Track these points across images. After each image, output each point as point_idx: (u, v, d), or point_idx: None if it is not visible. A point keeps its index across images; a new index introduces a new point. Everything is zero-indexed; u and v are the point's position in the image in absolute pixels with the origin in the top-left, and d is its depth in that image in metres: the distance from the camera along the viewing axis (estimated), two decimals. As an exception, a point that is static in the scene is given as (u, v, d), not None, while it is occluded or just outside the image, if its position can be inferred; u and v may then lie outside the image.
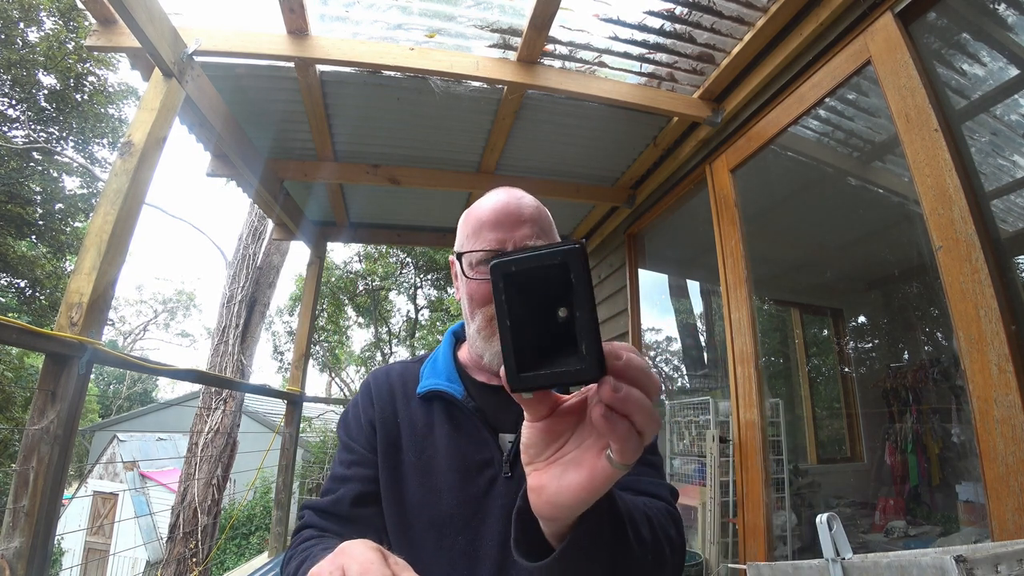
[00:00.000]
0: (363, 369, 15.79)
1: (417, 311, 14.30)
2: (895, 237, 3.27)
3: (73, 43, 7.63)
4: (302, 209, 3.37)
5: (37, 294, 8.77)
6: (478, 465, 0.73)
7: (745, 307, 2.10)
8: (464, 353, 0.85)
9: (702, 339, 4.98)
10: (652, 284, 4.14)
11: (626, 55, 2.10)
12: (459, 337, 0.91)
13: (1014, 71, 1.93)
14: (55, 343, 1.36)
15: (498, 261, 0.35)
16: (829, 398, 4.53)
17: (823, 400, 4.52)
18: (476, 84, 2.15)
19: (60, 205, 8.75)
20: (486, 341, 0.76)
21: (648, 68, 2.16)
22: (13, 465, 1.39)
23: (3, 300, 9.38)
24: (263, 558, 3.49)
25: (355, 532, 0.58)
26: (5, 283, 8.77)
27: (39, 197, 8.46)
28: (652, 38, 2.00)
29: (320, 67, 2.05)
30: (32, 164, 8.31)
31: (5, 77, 7.55)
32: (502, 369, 0.36)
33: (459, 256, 0.77)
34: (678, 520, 0.66)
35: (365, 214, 3.61)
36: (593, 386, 0.37)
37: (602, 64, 2.14)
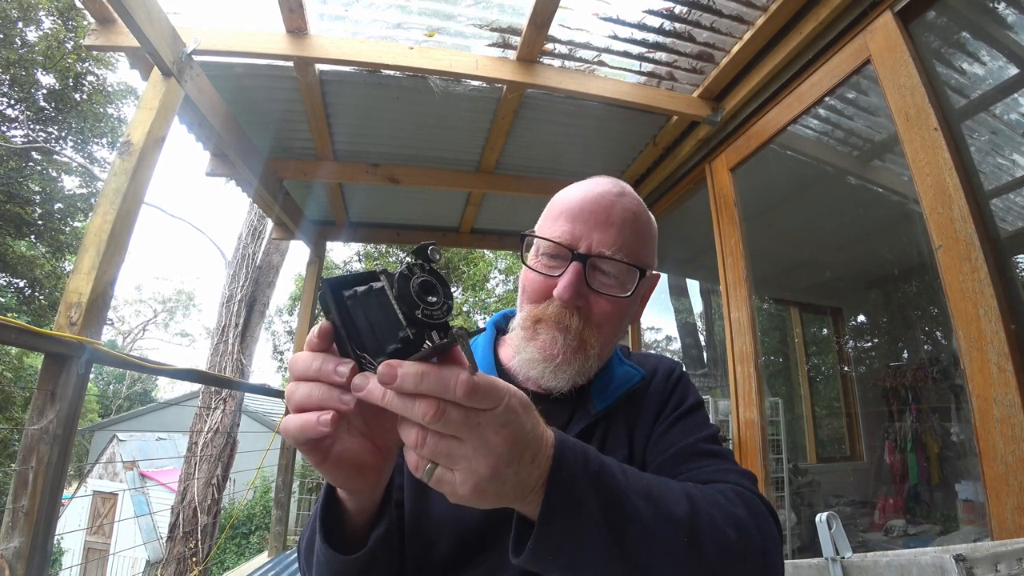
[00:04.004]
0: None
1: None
2: (895, 236, 3.27)
3: (72, 42, 7.62)
4: (301, 208, 3.37)
5: (36, 294, 8.77)
6: None
7: (745, 306, 2.10)
8: (506, 351, 0.75)
9: (702, 338, 4.98)
10: (652, 283, 4.13)
11: (626, 54, 2.10)
12: (500, 329, 0.81)
13: (1014, 70, 1.93)
14: (54, 343, 1.36)
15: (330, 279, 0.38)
16: (829, 397, 4.52)
17: (823, 399, 4.52)
18: (475, 83, 2.14)
19: (59, 205, 8.76)
20: (522, 341, 0.67)
21: (648, 67, 2.16)
22: (13, 465, 1.39)
23: (2, 300, 9.38)
24: (263, 557, 3.49)
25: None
26: (4, 283, 8.77)
27: (38, 197, 8.46)
28: (652, 37, 2.00)
29: (319, 66, 2.05)
30: (31, 164, 8.31)
31: (4, 77, 7.55)
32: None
33: (522, 237, 0.68)
34: (751, 500, 0.54)
35: (365, 213, 3.61)
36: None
37: (601, 63, 2.14)
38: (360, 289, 0.38)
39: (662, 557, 0.45)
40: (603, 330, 0.66)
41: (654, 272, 0.71)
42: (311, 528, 0.55)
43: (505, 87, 2.12)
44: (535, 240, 0.68)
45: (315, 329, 0.40)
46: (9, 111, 8.02)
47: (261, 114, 2.40)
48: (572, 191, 0.69)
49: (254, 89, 2.23)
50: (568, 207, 0.66)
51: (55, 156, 8.50)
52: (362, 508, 0.51)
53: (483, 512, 0.61)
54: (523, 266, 0.68)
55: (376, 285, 0.38)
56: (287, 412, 0.42)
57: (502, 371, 0.72)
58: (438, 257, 0.39)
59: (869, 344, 4.74)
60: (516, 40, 2.00)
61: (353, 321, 0.38)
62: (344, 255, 15.01)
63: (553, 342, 0.64)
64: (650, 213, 0.72)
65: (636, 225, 0.67)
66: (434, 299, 0.38)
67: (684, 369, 0.79)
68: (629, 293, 0.66)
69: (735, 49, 1.99)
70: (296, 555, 0.63)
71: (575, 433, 0.67)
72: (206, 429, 5.58)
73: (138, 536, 9.53)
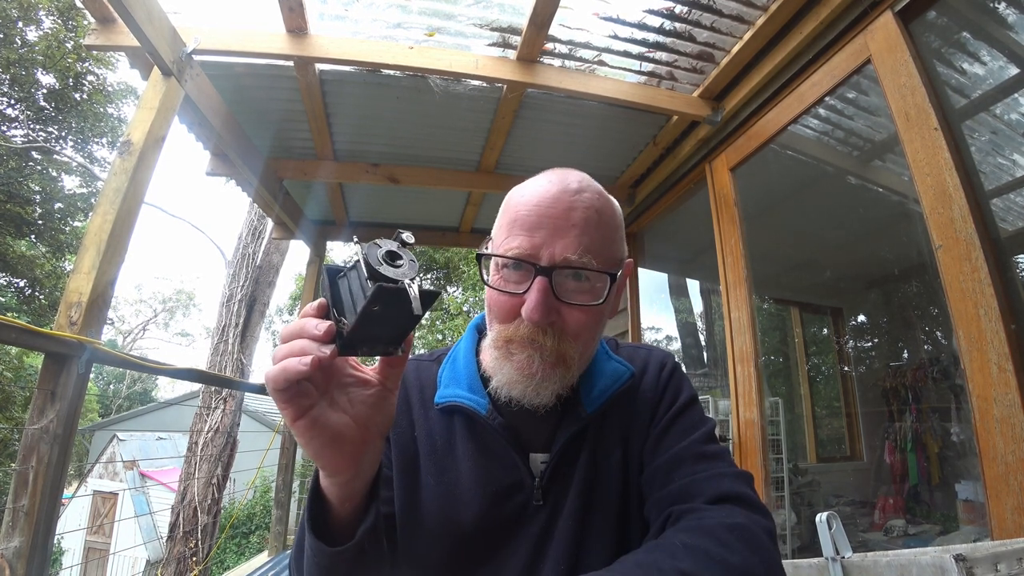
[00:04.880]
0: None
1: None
2: (895, 236, 3.27)
3: (72, 42, 7.62)
4: (302, 208, 3.37)
5: (36, 293, 8.78)
6: (506, 490, 0.64)
7: (745, 306, 2.10)
8: (487, 358, 0.72)
9: (702, 338, 4.97)
10: (652, 283, 4.13)
11: (626, 54, 2.10)
12: (483, 331, 0.77)
13: (1014, 70, 1.93)
14: (54, 343, 1.36)
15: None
16: (829, 397, 4.52)
17: (823, 399, 4.51)
18: (476, 83, 2.14)
19: (59, 204, 8.76)
20: (497, 362, 0.63)
21: (648, 67, 2.16)
22: (13, 464, 1.39)
23: (3, 299, 9.38)
24: (263, 557, 3.49)
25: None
26: (4, 282, 8.77)
27: (38, 196, 8.46)
28: (652, 37, 2.00)
29: (319, 66, 2.05)
30: (31, 163, 8.30)
31: (4, 76, 7.54)
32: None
33: (479, 257, 0.64)
34: (744, 532, 0.51)
35: (365, 213, 3.61)
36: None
37: (602, 63, 2.14)
38: (347, 268, 0.46)
39: None
40: (581, 339, 0.62)
41: (627, 260, 0.67)
42: (301, 527, 0.55)
43: (505, 87, 2.12)
44: (488, 258, 0.63)
45: (312, 302, 0.47)
46: (9, 111, 8.02)
47: (261, 114, 2.40)
48: (524, 194, 0.62)
49: (254, 89, 2.22)
50: (523, 214, 0.60)
51: (55, 156, 8.49)
52: (345, 497, 0.51)
53: (476, 522, 0.62)
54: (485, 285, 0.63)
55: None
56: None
57: (485, 378, 0.69)
58: (410, 242, 0.46)
59: (869, 344, 4.74)
60: (516, 40, 2.00)
61: (339, 294, 0.46)
62: (344, 255, 15.02)
63: (530, 361, 0.60)
64: (612, 200, 0.66)
65: (600, 223, 0.61)
66: (400, 263, 0.43)
67: (676, 360, 0.76)
68: (602, 300, 0.61)
69: (735, 49, 1.99)
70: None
71: (565, 438, 0.65)
72: (206, 429, 5.58)
73: (138, 536, 9.52)
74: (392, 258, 0.43)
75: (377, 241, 0.44)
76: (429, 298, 0.43)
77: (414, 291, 0.41)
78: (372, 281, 0.41)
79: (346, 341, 0.44)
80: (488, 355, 0.66)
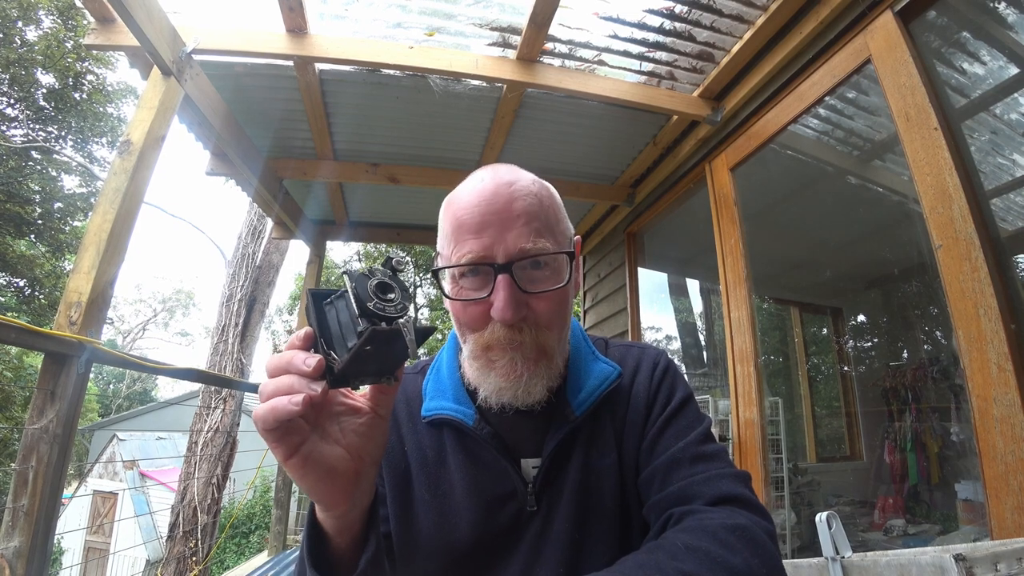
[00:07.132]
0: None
1: (416, 310, 14.34)
2: (895, 236, 3.26)
3: (72, 42, 7.62)
4: (301, 208, 3.37)
5: (36, 293, 8.78)
6: (499, 499, 0.64)
7: (745, 306, 2.10)
8: (469, 369, 0.71)
9: (701, 338, 4.97)
10: (652, 283, 4.13)
11: (626, 53, 2.10)
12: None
13: (1014, 70, 1.93)
14: (54, 342, 1.36)
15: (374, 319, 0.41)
16: (828, 397, 4.53)
17: (822, 399, 4.52)
18: (475, 82, 2.14)
19: (59, 204, 8.76)
20: (480, 373, 0.62)
21: (648, 66, 2.16)
22: (13, 464, 1.39)
23: (2, 299, 9.38)
24: (263, 557, 3.49)
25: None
26: (4, 282, 8.77)
27: (38, 196, 8.46)
28: (652, 36, 2.00)
29: (319, 65, 2.05)
30: (31, 163, 8.31)
31: (4, 76, 7.54)
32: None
33: (434, 273, 0.62)
34: (745, 531, 0.50)
35: (364, 213, 3.61)
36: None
37: (602, 63, 2.14)
38: (335, 296, 0.43)
39: None
40: (554, 326, 0.62)
41: (575, 238, 0.67)
42: (301, 559, 0.54)
43: (505, 86, 2.12)
44: (443, 271, 0.62)
45: (298, 332, 0.44)
46: (9, 110, 8.02)
47: (261, 113, 2.40)
48: (461, 198, 0.61)
49: (254, 88, 2.22)
50: (465, 221, 0.59)
51: (55, 155, 8.49)
52: (343, 528, 0.51)
53: (471, 533, 0.62)
54: (446, 299, 0.62)
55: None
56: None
57: (470, 389, 0.68)
58: (401, 268, 0.44)
59: (869, 344, 4.75)
60: (516, 39, 2.00)
61: (327, 325, 0.43)
62: (344, 254, 15.04)
63: (512, 363, 0.60)
64: (547, 184, 0.66)
65: (542, 207, 0.61)
66: (391, 296, 0.41)
67: (669, 358, 0.74)
68: (567, 279, 0.61)
69: (735, 48, 1.99)
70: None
71: (556, 441, 0.64)
72: (206, 428, 5.58)
73: (138, 535, 9.53)
74: (383, 290, 0.41)
75: (367, 271, 0.42)
76: (424, 335, 0.42)
77: (410, 334, 0.40)
78: (364, 319, 0.39)
79: (337, 376, 0.42)
80: (469, 367, 0.65)
